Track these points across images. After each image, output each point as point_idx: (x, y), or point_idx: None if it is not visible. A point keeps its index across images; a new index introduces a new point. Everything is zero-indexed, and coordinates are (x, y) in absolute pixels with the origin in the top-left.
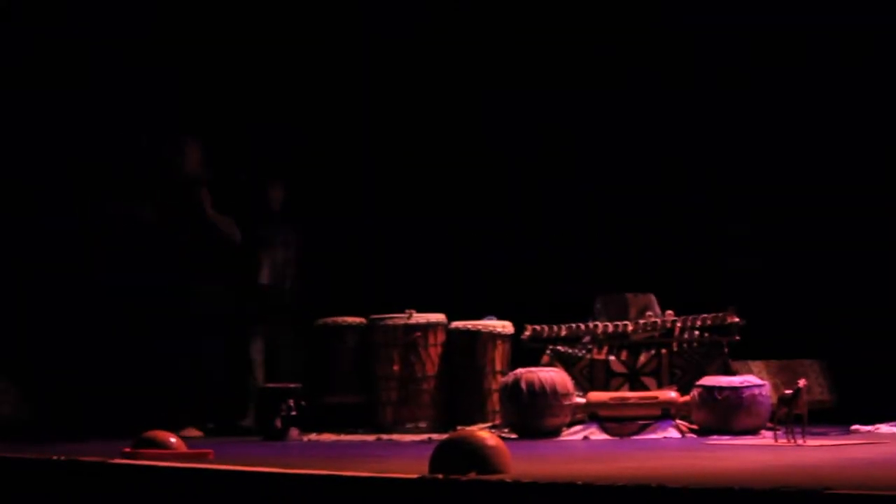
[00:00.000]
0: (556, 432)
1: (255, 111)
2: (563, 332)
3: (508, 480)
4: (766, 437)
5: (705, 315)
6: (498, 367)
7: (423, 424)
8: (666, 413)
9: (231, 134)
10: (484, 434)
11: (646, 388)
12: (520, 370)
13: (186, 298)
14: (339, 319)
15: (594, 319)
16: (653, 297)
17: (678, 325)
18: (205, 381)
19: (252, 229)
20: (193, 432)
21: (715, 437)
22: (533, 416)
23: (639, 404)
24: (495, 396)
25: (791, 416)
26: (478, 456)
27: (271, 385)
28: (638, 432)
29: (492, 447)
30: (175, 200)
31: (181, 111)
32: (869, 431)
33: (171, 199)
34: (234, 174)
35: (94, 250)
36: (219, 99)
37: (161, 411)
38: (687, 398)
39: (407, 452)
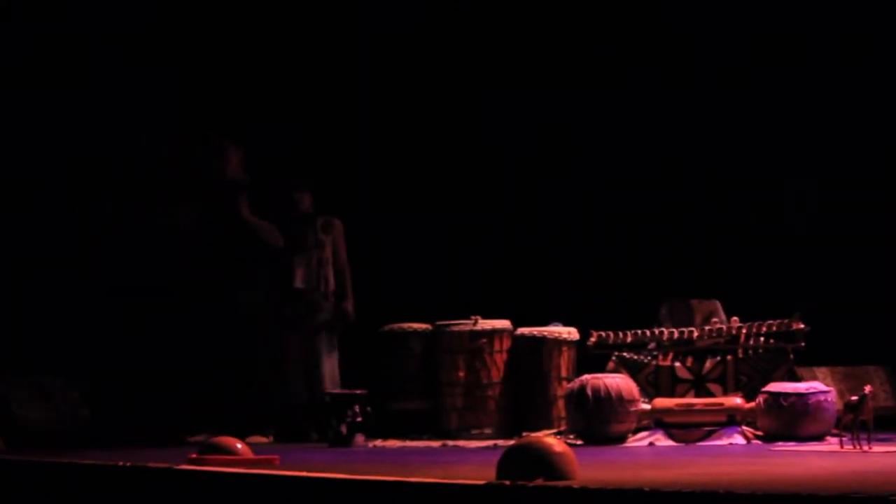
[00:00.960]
0: (621, 438)
1: (287, 112)
2: (629, 339)
3: (575, 487)
4: (831, 444)
5: (771, 321)
6: (563, 373)
7: (488, 431)
8: (731, 419)
9: (265, 137)
10: (551, 440)
11: (711, 395)
12: (585, 376)
13: (231, 304)
14: (405, 326)
15: (659, 326)
16: (718, 304)
17: (743, 331)
18: (261, 388)
19: (284, 232)
20: (259, 439)
21: (780, 443)
22: (598, 422)
23: (704, 411)
24: (560, 403)
25: (856, 423)
26: (545, 462)
27: (337, 391)
28: (703, 439)
29: (559, 453)
30: (216, 205)
31: (220, 115)
32: None
33: (212, 204)
34: (268, 178)
35: (142, 255)
36: (255, 102)
37: (218, 418)
38: (752, 404)
39: (473, 459)
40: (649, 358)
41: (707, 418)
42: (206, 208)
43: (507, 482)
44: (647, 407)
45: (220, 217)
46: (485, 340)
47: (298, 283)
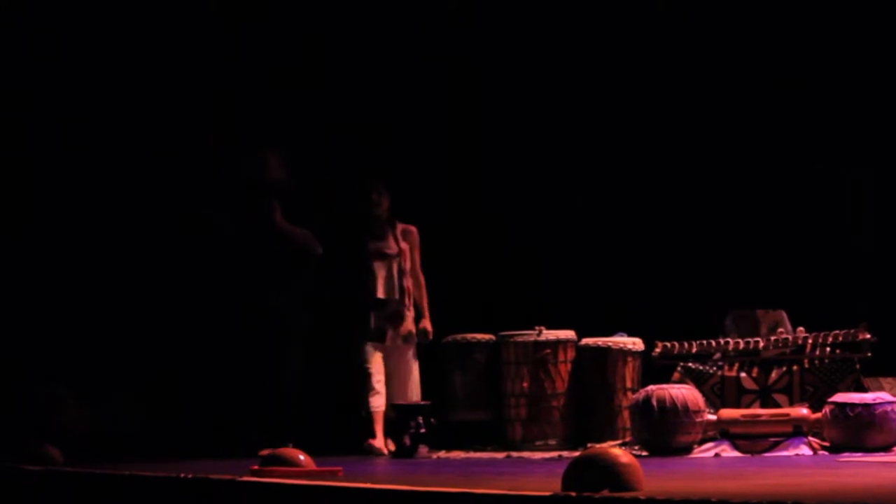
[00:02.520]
0: (687, 449)
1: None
2: (694, 349)
3: (642, 498)
4: None
5: (837, 331)
6: (628, 384)
7: (552, 442)
8: (797, 430)
9: (321, 141)
10: (617, 451)
11: (777, 405)
12: (651, 387)
13: (267, 312)
14: (469, 336)
15: (725, 336)
16: (784, 314)
17: (809, 341)
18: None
19: (359, 240)
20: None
21: (847, 454)
22: (664, 433)
23: (770, 421)
24: (625, 413)
25: None
26: (611, 473)
27: (400, 403)
28: (769, 449)
29: (625, 464)
30: (253, 211)
31: (264, 121)
32: None
33: (249, 210)
34: (330, 184)
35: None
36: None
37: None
38: (818, 415)
39: (538, 470)
40: (715, 368)
41: (773, 429)
42: (242, 213)
43: (574, 493)
44: (712, 418)
45: (255, 222)
46: (549, 351)
47: (380, 293)
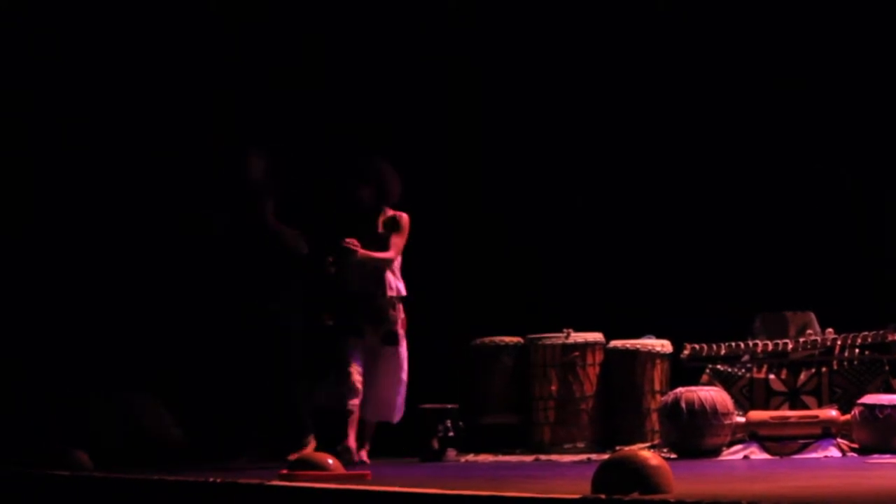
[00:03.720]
0: (716, 452)
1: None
2: (723, 351)
3: (672, 500)
4: None
5: (866, 333)
6: (657, 386)
7: (581, 445)
8: (826, 432)
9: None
10: (646, 454)
11: (806, 407)
12: (679, 389)
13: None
14: (497, 339)
15: (753, 338)
16: (812, 316)
17: (838, 343)
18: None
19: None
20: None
21: (876, 455)
22: (693, 435)
23: (799, 423)
24: (654, 416)
25: None
26: (641, 476)
27: (428, 406)
28: (798, 451)
29: (655, 466)
30: (241, 211)
31: (259, 121)
32: None
33: (237, 210)
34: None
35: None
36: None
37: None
38: (847, 417)
39: (567, 473)
40: (743, 370)
41: (802, 431)
42: (232, 214)
43: (603, 496)
44: (741, 420)
45: (247, 223)
46: (577, 353)
47: (355, 285)
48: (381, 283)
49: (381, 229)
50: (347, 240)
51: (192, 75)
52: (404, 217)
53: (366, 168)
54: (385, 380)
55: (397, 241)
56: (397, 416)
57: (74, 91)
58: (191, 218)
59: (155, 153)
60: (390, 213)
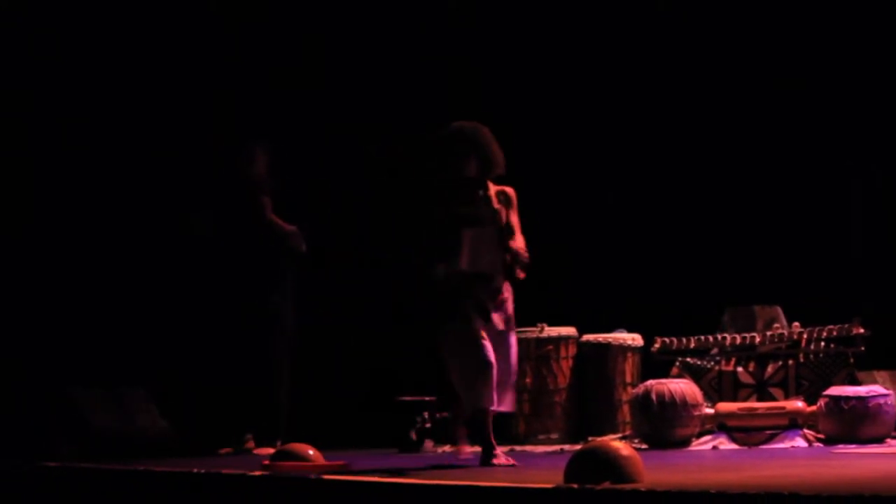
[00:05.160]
0: (685, 442)
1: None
2: (692, 345)
3: (642, 489)
4: (891, 446)
5: (831, 326)
6: (628, 378)
7: (554, 436)
8: (793, 423)
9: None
10: (618, 444)
11: (773, 399)
12: (650, 382)
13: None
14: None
15: (722, 332)
16: (779, 310)
17: (804, 336)
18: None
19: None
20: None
21: (841, 445)
22: (663, 426)
23: (766, 414)
24: (625, 408)
25: None
26: (612, 466)
27: (406, 398)
28: (766, 442)
29: (626, 457)
30: (240, 207)
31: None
32: None
33: (236, 207)
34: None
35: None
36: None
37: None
38: (814, 408)
39: (540, 463)
40: (712, 363)
41: (769, 422)
42: (230, 210)
43: (576, 486)
44: (710, 411)
45: (245, 219)
46: (551, 347)
47: (463, 264)
48: (503, 266)
49: (496, 204)
50: (521, 275)
51: (189, 72)
52: (513, 191)
53: (470, 137)
54: (502, 366)
55: (517, 220)
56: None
57: (65, 88)
58: (180, 216)
59: (147, 150)
60: (495, 187)
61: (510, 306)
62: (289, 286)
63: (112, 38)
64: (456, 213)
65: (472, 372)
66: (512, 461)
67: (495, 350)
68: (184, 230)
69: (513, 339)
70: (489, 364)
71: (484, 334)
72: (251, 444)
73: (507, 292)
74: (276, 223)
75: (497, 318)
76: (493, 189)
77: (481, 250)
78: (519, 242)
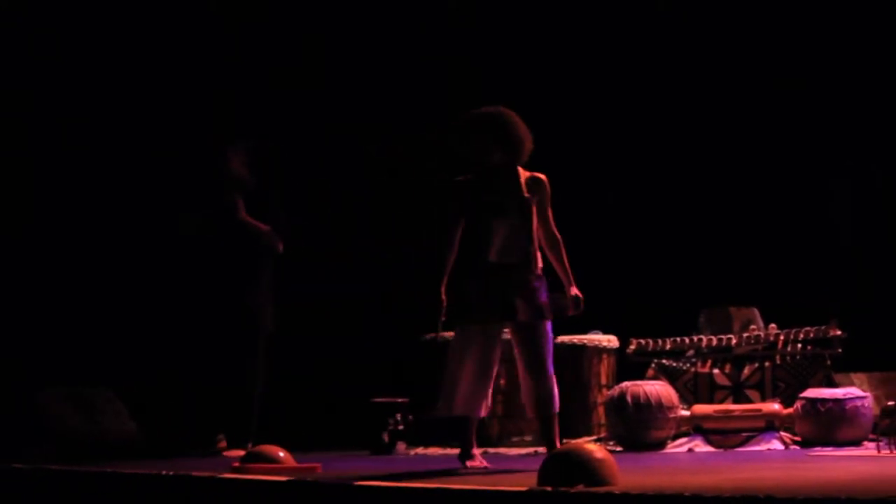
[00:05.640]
0: (661, 444)
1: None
2: (668, 346)
3: (616, 492)
4: (868, 449)
5: (808, 328)
6: (603, 380)
7: (528, 438)
8: (769, 425)
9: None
10: (591, 447)
11: (749, 401)
12: (625, 383)
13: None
14: (446, 334)
15: (698, 333)
16: (756, 311)
17: (781, 338)
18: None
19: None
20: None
21: (818, 448)
22: (638, 428)
23: (743, 416)
24: (601, 409)
25: (893, 428)
26: (586, 468)
27: (378, 399)
28: (742, 444)
29: (600, 459)
30: (216, 207)
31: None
32: None
33: (214, 207)
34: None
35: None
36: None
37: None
38: (790, 410)
39: (514, 465)
40: (688, 365)
41: (745, 424)
42: (207, 211)
43: (549, 488)
44: (686, 413)
45: (220, 219)
46: None
47: (492, 255)
48: (531, 257)
49: (526, 192)
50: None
51: (170, 73)
52: (546, 178)
53: (494, 122)
54: (527, 359)
55: (550, 209)
56: (556, 405)
57: (40, 88)
58: (162, 216)
59: (127, 149)
60: (526, 173)
61: (541, 295)
62: (266, 286)
63: (95, 38)
64: (483, 202)
65: (448, 377)
66: (485, 463)
67: (519, 342)
68: (183, 229)
69: (543, 329)
70: (462, 374)
71: (481, 340)
72: (223, 445)
73: (538, 281)
74: (250, 223)
75: (523, 309)
76: (523, 176)
77: (511, 240)
78: (575, 290)
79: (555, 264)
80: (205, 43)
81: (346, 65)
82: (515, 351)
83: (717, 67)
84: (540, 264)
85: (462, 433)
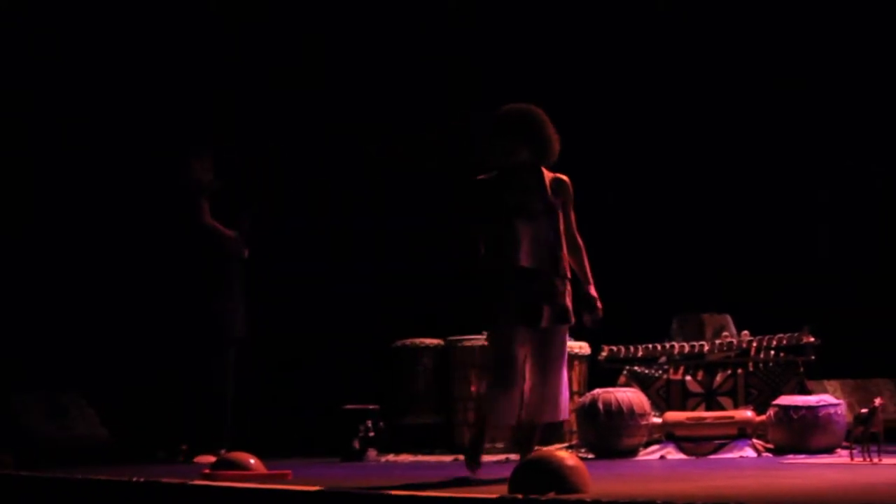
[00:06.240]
0: (632, 452)
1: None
2: (640, 353)
3: (588, 500)
4: (841, 456)
5: (781, 335)
6: (575, 387)
7: (499, 445)
8: (742, 432)
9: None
10: (563, 454)
11: (722, 408)
12: (597, 390)
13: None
14: (417, 341)
15: (670, 340)
16: (729, 318)
17: (754, 345)
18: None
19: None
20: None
21: (791, 456)
22: (610, 435)
23: (715, 424)
24: (572, 416)
25: (867, 435)
26: (557, 476)
27: (349, 406)
28: (714, 452)
29: (571, 467)
30: (179, 211)
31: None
32: None
33: (178, 212)
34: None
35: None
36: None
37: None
38: (763, 418)
39: (485, 473)
40: (660, 372)
41: (718, 431)
42: (170, 214)
43: (520, 496)
44: (658, 420)
45: (184, 223)
46: None
47: (523, 260)
48: (558, 261)
49: (550, 193)
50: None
51: (134, 77)
52: (569, 181)
53: (522, 120)
54: (541, 365)
55: (572, 213)
56: (564, 414)
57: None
58: (130, 221)
59: (90, 153)
60: (549, 174)
61: (565, 300)
62: (234, 292)
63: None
64: (509, 203)
65: (494, 389)
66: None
67: (538, 348)
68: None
69: (562, 334)
70: (512, 384)
71: (518, 346)
72: (183, 457)
73: (562, 286)
74: (215, 228)
75: (547, 314)
76: (547, 177)
77: (539, 244)
78: (594, 291)
79: (575, 268)
80: (177, 45)
81: (347, 64)
82: (530, 353)
83: (693, 75)
84: (568, 269)
85: (479, 439)
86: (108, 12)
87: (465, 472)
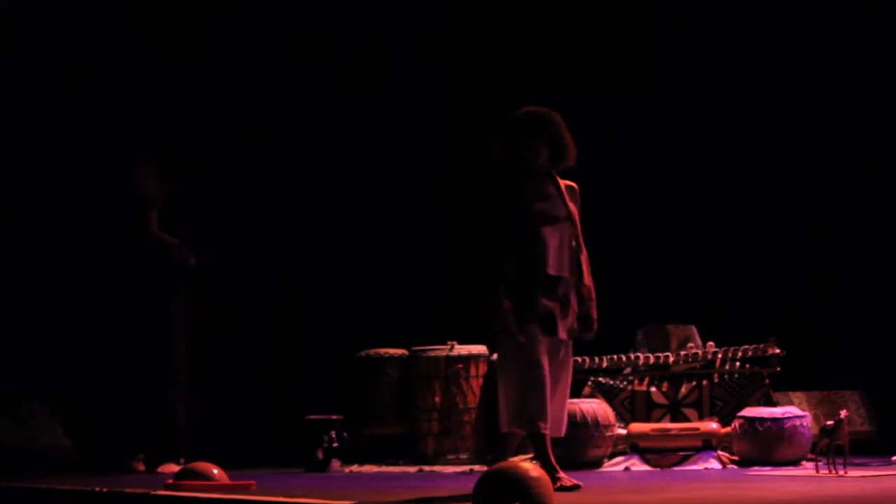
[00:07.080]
0: (597, 463)
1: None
2: (605, 364)
3: None
4: (807, 469)
5: (746, 346)
6: None
7: (464, 456)
8: (707, 444)
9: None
10: (527, 465)
11: (687, 420)
12: None
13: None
14: (381, 351)
15: (635, 351)
16: (694, 329)
17: (719, 356)
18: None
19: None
20: (172, 467)
21: (756, 468)
22: (574, 446)
23: (680, 435)
24: None
25: (832, 447)
26: (521, 487)
27: (313, 416)
28: (679, 463)
29: (535, 478)
30: (126, 222)
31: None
32: None
33: (122, 220)
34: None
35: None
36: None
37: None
38: (728, 429)
39: (449, 484)
40: (625, 383)
41: (683, 443)
42: (116, 225)
43: None
44: (622, 432)
45: (130, 234)
46: (461, 366)
47: (551, 268)
48: (580, 269)
49: (568, 199)
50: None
51: (77, 84)
52: (578, 188)
53: (543, 123)
54: (558, 384)
55: (579, 221)
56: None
57: None
58: (76, 229)
59: (40, 162)
60: (562, 181)
61: (590, 311)
62: (179, 301)
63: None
64: (535, 210)
65: (530, 391)
66: (576, 482)
67: (550, 362)
68: (86, 242)
69: (570, 348)
70: (544, 384)
71: (543, 349)
72: (140, 467)
73: (574, 298)
74: (161, 237)
75: (561, 326)
76: (562, 183)
77: (563, 252)
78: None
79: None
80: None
81: (345, 65)
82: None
83: (658, 87)
84: (589, 277)
85: (542, 453)
86: (50, 19)
87: (430, 483)
